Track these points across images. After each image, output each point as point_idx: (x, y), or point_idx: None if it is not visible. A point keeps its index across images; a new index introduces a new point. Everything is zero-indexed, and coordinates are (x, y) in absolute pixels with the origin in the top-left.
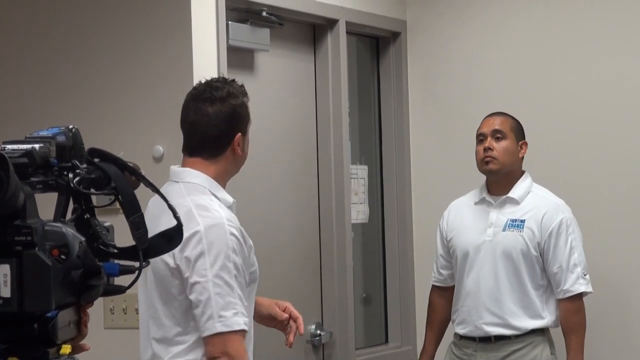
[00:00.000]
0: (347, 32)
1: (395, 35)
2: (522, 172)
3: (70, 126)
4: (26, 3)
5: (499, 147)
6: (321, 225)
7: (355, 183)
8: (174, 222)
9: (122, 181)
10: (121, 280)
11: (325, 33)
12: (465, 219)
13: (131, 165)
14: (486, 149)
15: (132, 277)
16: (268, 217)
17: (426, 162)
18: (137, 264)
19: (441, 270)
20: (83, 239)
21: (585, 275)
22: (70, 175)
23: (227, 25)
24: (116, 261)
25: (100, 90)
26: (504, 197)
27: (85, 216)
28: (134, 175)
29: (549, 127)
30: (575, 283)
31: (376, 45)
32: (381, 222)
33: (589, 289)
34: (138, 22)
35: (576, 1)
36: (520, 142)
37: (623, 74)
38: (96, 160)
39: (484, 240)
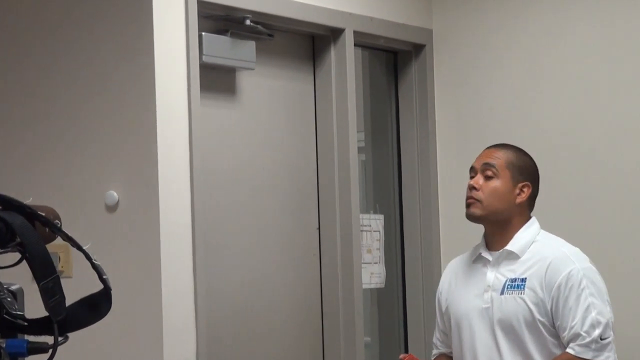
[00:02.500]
0: (355, 45)
1: (418, 49)
2: (528, 219)
3: None
4: None
5: (487, 188)
6: (324, 292)
7: (368, 237)
8: None
9: (31, 235)
10: None
11: (328, 46)
12: (458, 283)
13: (43, 214)
14: (471, 188)
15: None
16: (256, 283)
17: (460, 210)
18: (51, 340)
19: (438, 345)
20: None
21: (603, 339)
22: None
23: (200, 37)
24: (25, 336)
25: (34, 121)
26: (501, 251)
27: None
28: (48, 227)
29: (607, 154)
30: (585, 346)
31: (394, 61)
32: (402, 286)
33: (602, 357)
34: (88, 35)
35: (634, 14)
36: (520, 184)
37: None
38: None
39: (480, 308)
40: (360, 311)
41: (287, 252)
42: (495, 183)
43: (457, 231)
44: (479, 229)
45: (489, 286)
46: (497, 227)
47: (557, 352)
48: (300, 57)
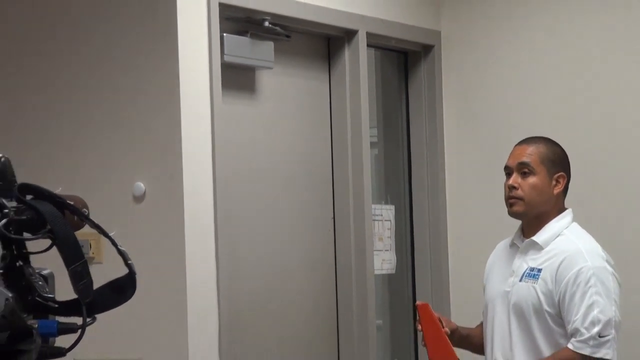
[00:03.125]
0: (368, 46)
1: (427, 49)
2: (562, 210)
3: None
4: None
5: (525, 185)
6: (338, 277)
7: (380, 226)
8: None
9: (61, 223)
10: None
11: (342, 47)
12: (497, 265)
13: (72, 203)
14: (511, 188)
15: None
16: (275, 268)
17: (465, 201)
18: (80, 321)
19: (482, 317)
20: (10, 294)
21: (602, 337)
22: None
23: (222, 37)
24: (55, 318)
25: (68, 118)
26: (529, 240)
27: (18, 264)
28: (76, 215)
29: (599, 148)
30: (583, 342)
31: (404, 61)
32: (411, 272)
33: (600, 353)
34: (116, 37)
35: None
36: (555, 175)
37: None
38: (29, 197)
39: (503, 291)
40: (372, 295)
41: (304, 239)
42: (533, 179)
43: (463, 220)
44: (485, 218)
45: (513, 271)
46: (534, 219)
47: (564, 342)
48: (316, 57)
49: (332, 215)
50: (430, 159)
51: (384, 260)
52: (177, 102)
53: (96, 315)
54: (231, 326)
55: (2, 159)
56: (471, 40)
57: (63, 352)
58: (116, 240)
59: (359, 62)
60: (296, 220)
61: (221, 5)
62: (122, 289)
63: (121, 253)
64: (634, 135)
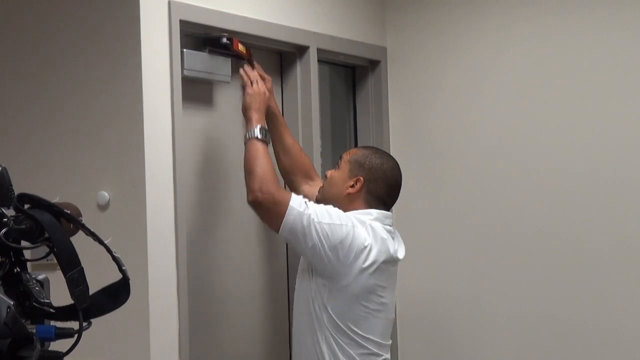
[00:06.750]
0: (319, 61)
1: (373, 64)
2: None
3: None
4: None
5: (329, 176)
6: (290, 277)
7: None
8: None
9: (58, 231)
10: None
11: (294, 62)
12: None
13: (68, 212)
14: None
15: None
16: (232, 272)
17: (410, 210)
18: (76, 326)
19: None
20: (11, 302)
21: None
22: None
23: (182, 53)
24: (52, 322)
25: (36, 129)
26: None
27: (15, 270)
28: (73, 223)
29: (540, 165)
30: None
31: (352, 75)
32: None
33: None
34: (81, 50)
35: (569, 38)
36: (353, 177)
37: (616, 109)
38: (27, 207)
39: None
40: None
41: (259, 241)
42: (335, 173)
43: (408, 227)
44: (427, 223)
45: None
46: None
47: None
48: (269, 71)
49: None
50: None
51: None
52: (140, 114)
53: (91, 320)
54: (190, 327)
55: (0, 169)
56: (415, 55)
57: (60, 356)
58: (111, 247)
59: (310, 76)
60: (251, 224)
61: (182, 22)
62: (116, 294)
63: (115, 259)
64: (578, 151)
